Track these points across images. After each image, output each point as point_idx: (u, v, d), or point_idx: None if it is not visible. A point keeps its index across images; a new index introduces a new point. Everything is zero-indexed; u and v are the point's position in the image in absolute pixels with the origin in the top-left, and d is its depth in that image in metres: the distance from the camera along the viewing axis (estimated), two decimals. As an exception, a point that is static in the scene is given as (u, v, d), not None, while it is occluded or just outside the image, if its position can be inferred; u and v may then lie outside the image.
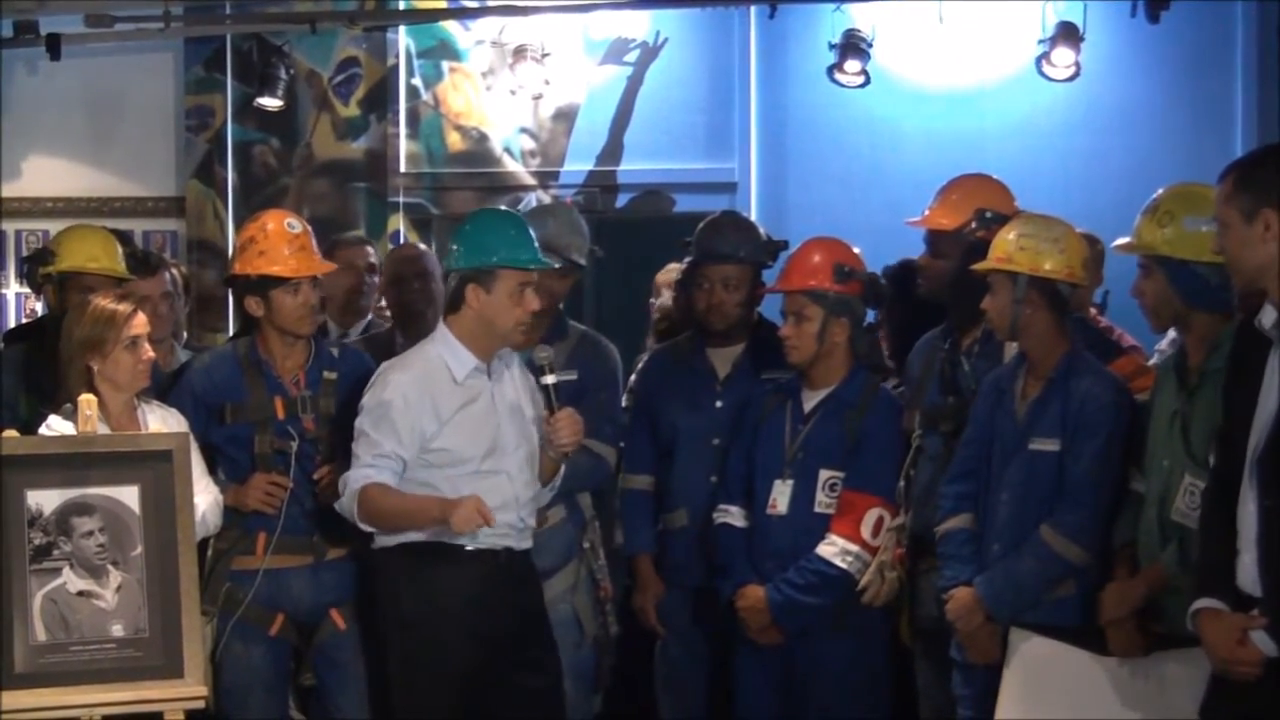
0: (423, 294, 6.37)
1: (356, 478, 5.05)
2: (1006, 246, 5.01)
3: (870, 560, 5.33)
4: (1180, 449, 4.58)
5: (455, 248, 5.23)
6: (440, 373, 5.13)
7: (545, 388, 5.15)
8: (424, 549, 5.10)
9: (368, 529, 5.11)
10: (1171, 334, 6.18)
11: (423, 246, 7.65)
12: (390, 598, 5.18)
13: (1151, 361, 6.03)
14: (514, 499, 5.15)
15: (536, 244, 5.25)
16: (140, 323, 5.19)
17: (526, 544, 5.27)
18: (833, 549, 5.34)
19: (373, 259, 7.21)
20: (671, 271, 7.69)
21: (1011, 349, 5.17)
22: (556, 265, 5.60)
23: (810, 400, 5.53)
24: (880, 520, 5.35)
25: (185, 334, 7.27)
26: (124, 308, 5.18)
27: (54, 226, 6.48)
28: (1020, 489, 4.96)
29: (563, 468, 5.32)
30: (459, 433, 5.10)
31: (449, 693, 5.09)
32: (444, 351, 5.15)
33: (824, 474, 5.43)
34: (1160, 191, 4.77)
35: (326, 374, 5.49)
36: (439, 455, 5.09)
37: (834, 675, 5.38)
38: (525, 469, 5.20)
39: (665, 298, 7.64)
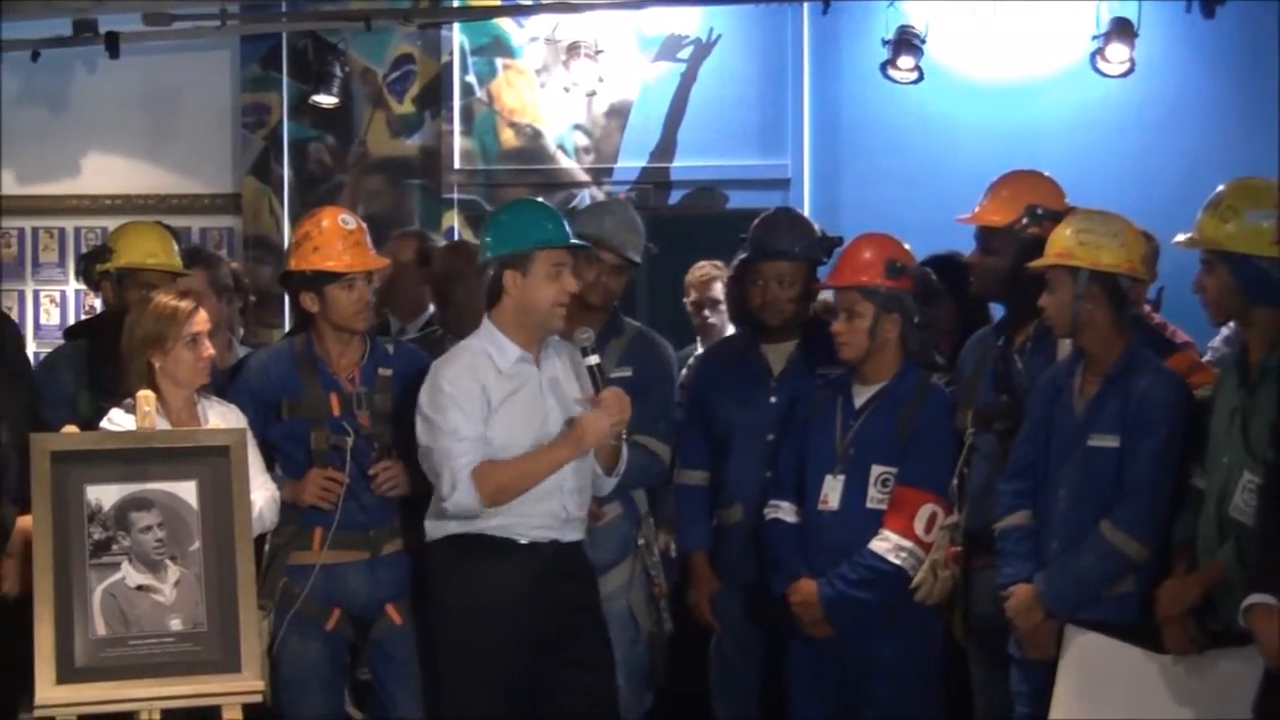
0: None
1: (459, 467, 5.03)
2: (1065, 242, 4.99)
3: (923, 556, 5.31)
4: (1240, 445, 4.57)
5: (489, 238, 5.27)
6: (485, 364, 5.15)
7: (589, 369, 5.17)
8: (471, 542, 5.13)
9: (491, 510, 5.08)
10: (1224, 332, 6.18)
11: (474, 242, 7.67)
12: (438, 591, 5.23)
13: (1205, 359, 6.01)
14: (558, 487, 5.16)
15: (569, 229, 5.28)
16: (201, 320, 5.24)
17: (575, 536, 5.28)
18: (886, 544, 5.33)
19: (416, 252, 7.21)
20: (700, 269, 7.74)
21: (1065, 347, 5.16)
22: (590, 247, 5.59)
23: (861, 396, 5.52)
24: (934, 516, 5.34)
25: (242, 330, 7.31)
26: (186, 304, 5.23)
27: (112, 224, 6.53)
28: (1078, 486, 4.94)
29: (624, 454, 5.33)
30: (507, 421, 5.12)
31: (493, 687, 5.11)
32: (487, 344, 5.19)
33: (876, 469, 5.41)
34: (1222, 186, 4.75)
35: (381, 370, 5.52)
36: (490, 441, 5.11)
37: (887, 672, 5.36)
38: (578, 462, 5.20)
39: (693, 296, 7.69)
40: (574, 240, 5.28)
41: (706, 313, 7.69)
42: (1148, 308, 6.43)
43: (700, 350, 7.29)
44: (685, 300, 7.66)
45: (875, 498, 5.41)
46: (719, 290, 7.53)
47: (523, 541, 5.14)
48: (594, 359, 5.16)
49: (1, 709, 4.99)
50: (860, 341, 5.45)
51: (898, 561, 5.31)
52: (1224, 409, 4.68)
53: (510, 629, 5.11)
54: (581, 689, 5.23)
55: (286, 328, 8.91)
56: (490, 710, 5.12)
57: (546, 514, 5.15)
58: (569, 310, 5.26)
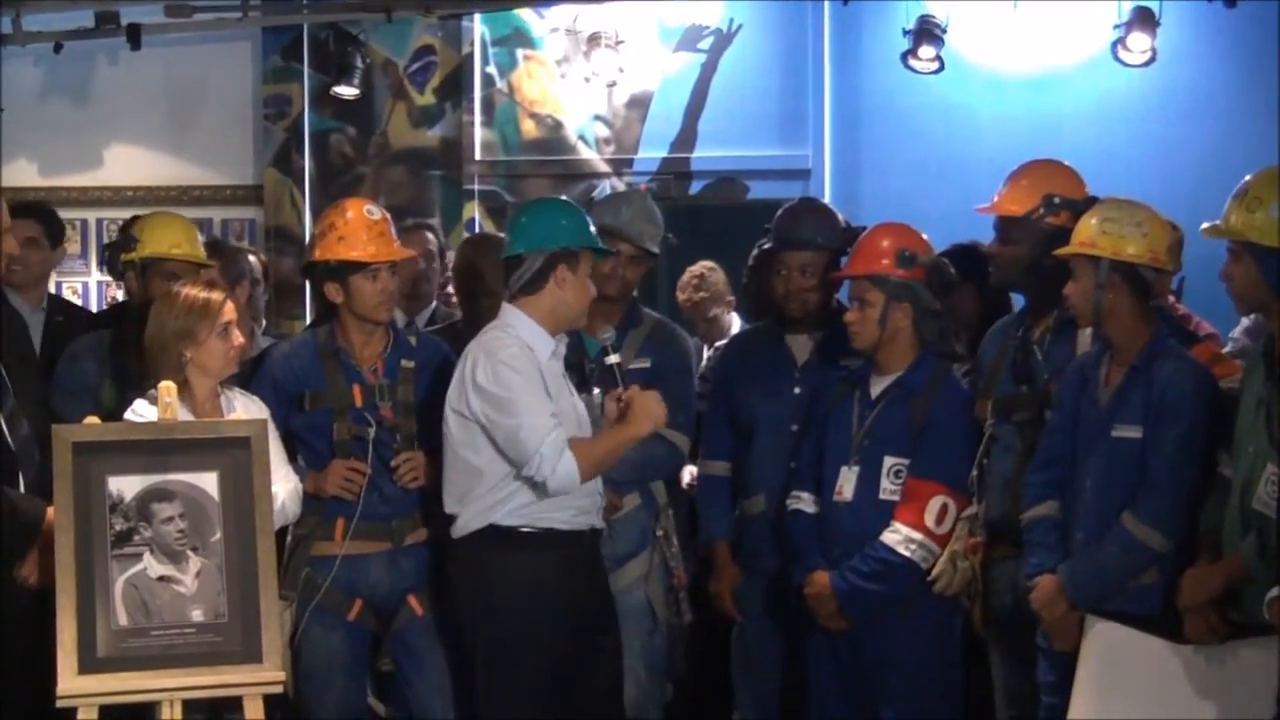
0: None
1: (553, 443, 4.98)
2: (1089, 231, 4.98)
3: (935, 548, 5.30)
4: (1264, 437, 4.54)
5: (533, 230, 5.23)
6: (528, 353, 5.14)
7: (610, 367, 5.18)
8: (514, 534, 5.12)
9: (585, 484, 5.09)
10: (1244, 322, 6.17)
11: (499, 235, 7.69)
12: (477, 586, 5.17)
13: (1226, 349, 6.00)
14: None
15: (595, 231, 5.33)
16: (231, 310, 5.25)
17: (601, 523, 5.32)
18: (896, 537, 5.32)
19: (432, 245, 7.23)
20: (687, 274, 7.79)
21: (1086, 337, 5.15)
22: (615, 251, 5.64)
23: (877, 386, 5.51)
24: (945, 508, 5.32)
25: (264, 321, 7.32)
26: (216, 295, 5.24)
27: (134, 216, 6.54)
28: (1103, 476, 4.93)
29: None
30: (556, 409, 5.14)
31: (544, 677, 5.11)
32: (525, 334, 5.16)
33: (889, 461, 5.40)
34: (1250, 176, 4.70)
35: (404, 362, 5.54)
36: None
37: (904, 664, 5.36)
38: None
39: (684, 297, 7.73)
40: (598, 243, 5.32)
41: (713, 311, 7.73)
42: (1171, 298, 6.42)
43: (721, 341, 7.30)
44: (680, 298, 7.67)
45: (888, 489, 5.40)
46: (718, 283, 7.57)
47: (565, 529, 5.15)
48: (615, 358, 5.18)
49: (32, 698, 5.01)
50: (871, 330, 5.44)
51: (907, 554, 5.30)
52: (1250, 400, 4.65)
53: (556, 617, 5.12)
54: (607, 673, 5.29)
55: (308, 319, 8.92)
56: (544, 699, 5.13)
57: (588, 501, 5.20)
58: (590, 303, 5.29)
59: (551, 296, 5.17)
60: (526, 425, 5.01)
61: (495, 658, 5.16)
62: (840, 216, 6.04)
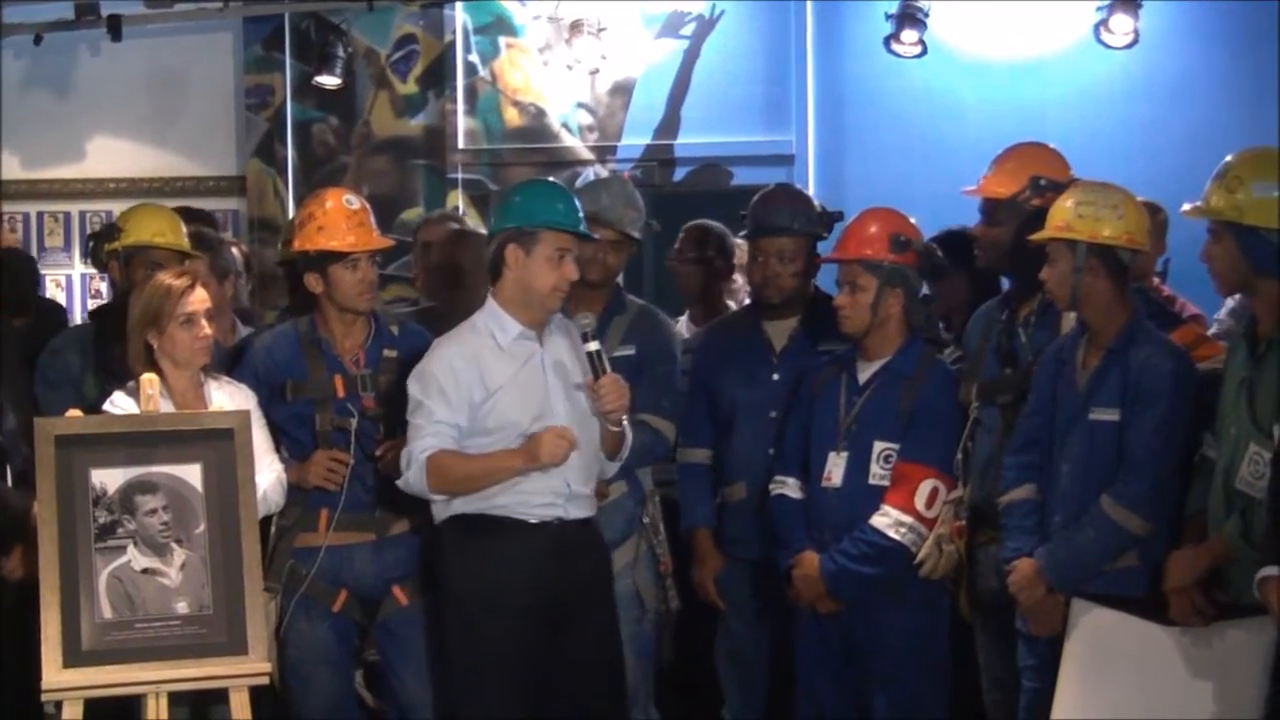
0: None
1: (419, 450, 5.05)
2: (1065, 214, 4.97)
3: (924, 532, 5.30)
4: (1246, 418, 4.55)
5: (498, 212, 5.28)
6: (486, 341, 5.14)
7: (588, 354, 5.15)
8: (476, 523, 5.12)
9: (438, 498, 5.12)
10: (1229, 304, 6.17)
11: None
12: (442, 573, 5.22)
13: (1210, 331, 6.00)
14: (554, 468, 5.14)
15: (583, 216, 5.26)
16: (197, 299, 5.21)
17: (581, 512, 5.24)
18: (886, 520, 5.32)
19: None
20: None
21: (1069, 320, 5.14)
22: (597, 237, 5.60)
23: (865, 372, 5.50)
24: (934, 492, 5.33)
25: (253, 316, 7.31)
26: (179, 283, 5.21)
27: (117, 207, 6.55)
28: (1081, 460, 4.93)
29: (628, 439, 5.31)
30: (506, 398, 5.11)
31: (502, 667, 5.10)
32: (489, 320, 5.17)
33: (878, 446, 5.40)
34: (1231, 156, 4.70)
35: (386, 352, 5.53)
36: (489, 420, 5.10)
37: (893, 648, 5.36)
38: (581, 440, 5.16)
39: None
40: (584, 229, 5.25)
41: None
42: (1156, 280, 6.42)
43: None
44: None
45: (877, 474, 5.39)
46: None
47: (531, 521, 5.13)
48: (594, 345, 5.12)
49: (18, 692, 5.00)
50: (863, 315, 5.43)
51: (897, 537, 5.30)
52: (1233, 380, 4.66)
53: (516, 609, 5.10)
54: (588, 664, 5.22)
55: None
56: (498, 690, 5.11)
57: (550, 491, 5.13)
58: (571, 289, 5.25)
59: (511, 280, 5.15)
60: (412, 426, 5.12)
61: (456, 645, 5.19)
62: (816, 202, 6.04)
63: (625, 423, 5.24)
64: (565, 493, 5.16)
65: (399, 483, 5.13)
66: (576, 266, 5.20)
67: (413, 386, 5.15)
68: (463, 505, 5.13)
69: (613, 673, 5.31)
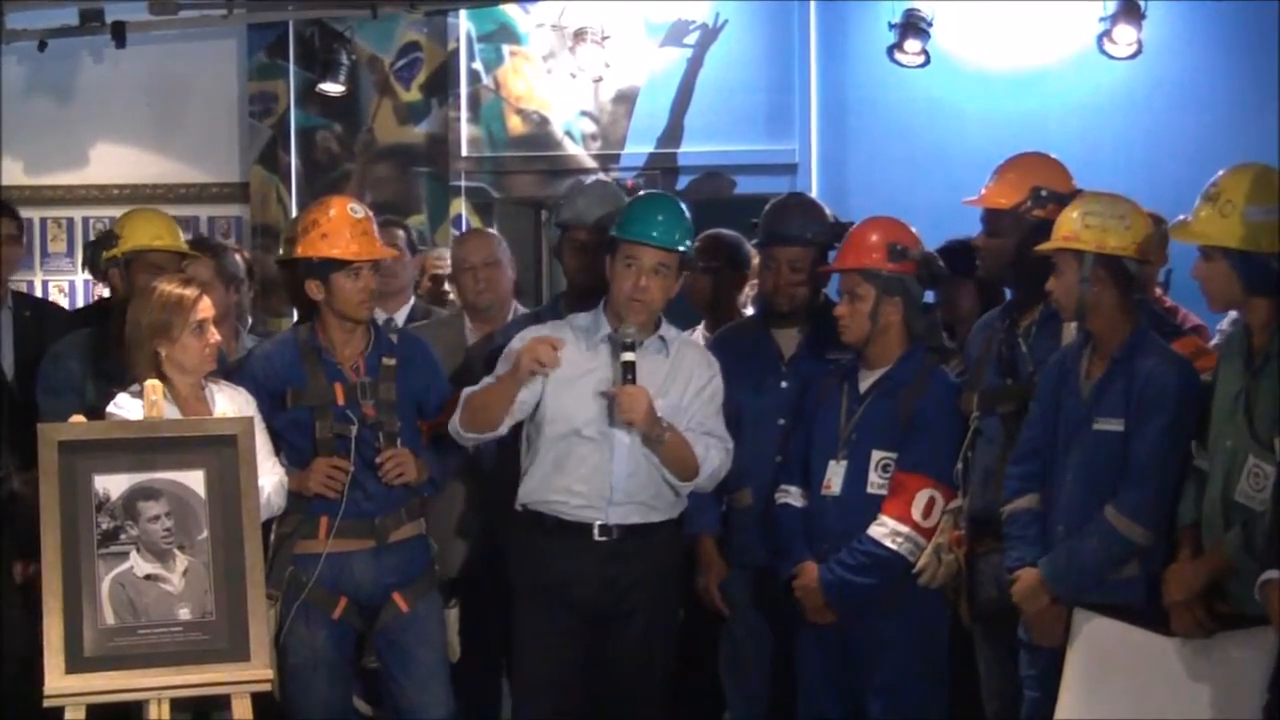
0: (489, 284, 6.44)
1: (465, 394, 5.39)
2: (1072, 225, 4.97)
3: (922, 541, 5.31)
4: (1244, 430, 4.54)
5: None
6: (571, 335, 5.38)
7: (624, 364, 5.22)
8: (529, 518, 5.38)
9: (469, 436, 5.41)
10: (1233, 314, 6.15)
11: (491, 232, 7.68)
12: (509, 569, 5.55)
13: (1213, 342, 5.99)
14: (605, 469, 5.32)
15: (662, 225, 5.39)
16: (206, 306, 5.24)
17: (627, 519, 5.38)
18: (883, 530, 5.32)
19: (401, 242, 7.18)
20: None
21: (1070, 330, 5.14)
22: (653, 244, 5.49)
23: (866, 380, 5.51)
24: (932, 501, 5.33)
25: (250, 319, 7.31)
26: (190, 292, 5.24)
27: (120, 213, 6.53)
28: (1084, 469, 4.93)
29: (703, 460, 5.43)
30: (569, 395, 5.31)
31: (544, 665, 5.41)
32: (589, 318, 5.44)
33: (876, 455, 5.41)
34: (1220, 174, 4.66)
35: (386, 360, 5.53)
36: (545, 411, 5.34)
37: (893, 657, 5.36)
38: (635, 446, 5.32)
39: None
40: (645, 235, 5.38)
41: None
42: (1158, 291, 6.42)
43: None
44: None
45: (876, 483, 5.40)
46: None
47: (567, 519, 5.34)
48: (630, 355, 5.22)
49: (19, 698, 5.00)
50: (862, 324, 5.44)
51: (894, 547, 5.31)
52: (1227, 392, 4.65)
53: (555, 605, 5.37)
54: (619, 669, 5.46)
55: (295, 317, 8.90)
56: (543, 682, 5.45)
57: (592, 494, 5.32)
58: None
59: (611, 286, 5.42)
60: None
61: (515, 636, 5.57)
62: (828, 211, 6.04)
63: (698, 451, 5.40)
64: (608, 496, 5.32)
65: (450, 429, 5.43)
66: (655, 279, 5.35)
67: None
68: (522, 497, 5.40)
69: (644, 681, 5.52)
